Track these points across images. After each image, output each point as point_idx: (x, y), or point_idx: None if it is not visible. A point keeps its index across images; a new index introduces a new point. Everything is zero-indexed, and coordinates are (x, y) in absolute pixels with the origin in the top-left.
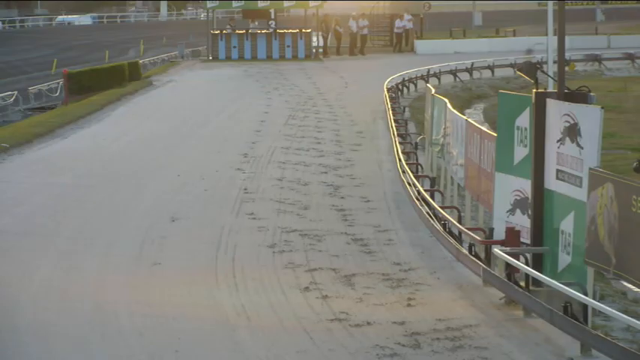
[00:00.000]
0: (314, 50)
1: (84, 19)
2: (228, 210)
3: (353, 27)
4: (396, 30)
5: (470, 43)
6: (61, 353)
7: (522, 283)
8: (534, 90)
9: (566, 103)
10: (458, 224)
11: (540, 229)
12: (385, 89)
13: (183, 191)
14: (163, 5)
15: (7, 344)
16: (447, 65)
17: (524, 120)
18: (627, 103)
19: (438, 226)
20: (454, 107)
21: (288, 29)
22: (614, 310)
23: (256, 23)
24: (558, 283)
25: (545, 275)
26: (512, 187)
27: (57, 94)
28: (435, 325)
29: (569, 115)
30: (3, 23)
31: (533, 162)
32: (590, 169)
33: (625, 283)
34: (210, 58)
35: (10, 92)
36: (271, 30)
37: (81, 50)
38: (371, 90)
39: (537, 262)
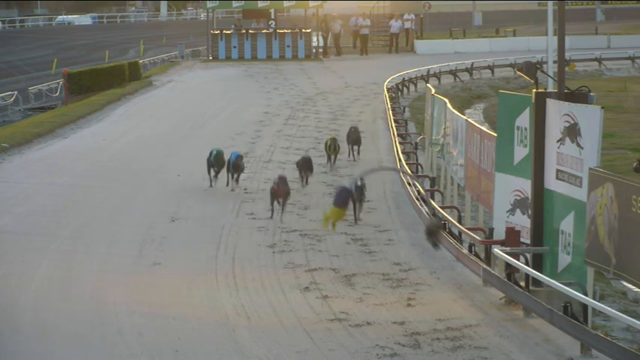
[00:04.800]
0: (314, 50)
1: (84, 19)
2: (228, 210)
3: (336, 28)
4: (391, 30)
5: (470, 43)
6: (61, 353)
7: (522, 283)
8: (534, 90)
9: (566, 103)
10: (458, 224)
11: (540, 229)
12: (385, 89)
13: (184, 191)
14: (163, 5)
15: (7, 344)
16: (447, 65)
17: (524, 120)
18: (627, 103)
19: None
20: (454, 107)
21: (288, 29)
22: (614, 310)
23: (261, 24)
24: (558, 283)
25: (545, 275)
26: (512, 187)
27: (57, 94)
28: (435, 325)
29: (569, 115)
30: (3, 23)
31: (533, 162)
32: (590, 169)
33: (625, 283)
34: (210, 58)
35: (10, 92)
36: (271, 30)
37: (81, 50)
38: (371, 90)
39: (537, 262)
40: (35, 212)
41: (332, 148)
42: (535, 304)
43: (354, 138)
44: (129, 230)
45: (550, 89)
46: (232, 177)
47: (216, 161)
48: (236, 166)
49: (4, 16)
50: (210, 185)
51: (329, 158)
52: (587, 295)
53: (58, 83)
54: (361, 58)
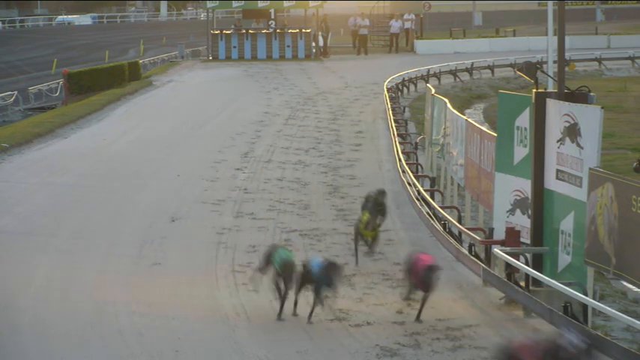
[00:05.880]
0: (314, 50)
1: (84, 19)
2: (228, 210)
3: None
4: (391, 30)
5: (470, 43)
6: (61, 353)
7: (522, 283)
8: (534, 90)
9: (566, 103)
10: (458, 224)
11: (540, 229)
12: (385, 89)
13: (183, 191)
14: (163, 5)
15: (7, 344)
16: (447, 65)
17: (524, 120)
18: (627, 103)
19: (438, 226)
20: (454, 107)
21: (288, 29)
22: (614, 310)
23: (261, 24)
24: (558, 283)
25: (545, 275)
26: (512, 187)
27: (57, 94)
28: (435, 325)
29: (569, 115)
30: (3, 23)
31: (533, 162)
32: (590, 169)
33: (625, 283)
34: (210, 58)
35: (10, 92)
36: (271, 30)
37: (81, 50)
38: (371, 90)
39: (537, 262)
40: (35, 212)
41: (369, 225)
42: (535, 304)
43: (377, 207)
44: (129, 230)
45: (550, 89)
46: (316, 296)
47: (284, 270)
48: (327, 279)
49: (4, 16)
50: (280, 316)
51: (365, 242)
52: (587, 295)
53: (58, 83)
54: (361, 58)
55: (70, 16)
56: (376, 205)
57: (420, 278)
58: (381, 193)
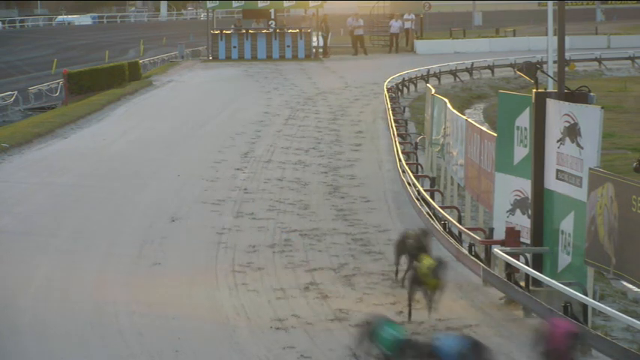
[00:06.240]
0: (314, 50)
1: (84, 19)
2: (228, 210)
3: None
4: (391, 30)
5: (470, 43)
6: (61, 353)
7: (522, 283)
8: (534, 90)
9: (566, 103)
10: (458, 224)
11: (540, 229)
12: (385, 89)
13: (183, 191)
14: (163, 5)
15: (7, 344)
16: (447, 65)
17: (524, 120)
18: (627, 103)
19: (438, 226)
20: (454, 107)
21: (288, 28)
22: (614, 310)
23: (261, 24)
24: (558, 283)
25: (545, 275)
26: (512, 187)
27: (57, 94)
28: (435, 325)
29: (569, 115)
30: (3, 23)
31: (533, 162)
32: (590, 169)
33: (625, 283)
34: (210, 58)
35: (10, 92)
36: (271, 30)
37: (81, 50)
38: (371, 90)
39: (537, 262)
40: (35, 212)
41: (432, 274)
42: (535, 304)
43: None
44: (129, 230)
45: (550, 89)
46: None
47: (394, 352)
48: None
49: (4, 16)
50: None
51: (423, 292)
52: (587, 295)
53: (58, 83)
54: (361, 58)
55: (70, 16)
56: (419, 249)
57: (564, 348)
58: (424, 233)
